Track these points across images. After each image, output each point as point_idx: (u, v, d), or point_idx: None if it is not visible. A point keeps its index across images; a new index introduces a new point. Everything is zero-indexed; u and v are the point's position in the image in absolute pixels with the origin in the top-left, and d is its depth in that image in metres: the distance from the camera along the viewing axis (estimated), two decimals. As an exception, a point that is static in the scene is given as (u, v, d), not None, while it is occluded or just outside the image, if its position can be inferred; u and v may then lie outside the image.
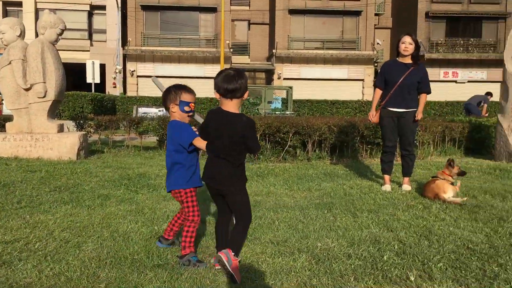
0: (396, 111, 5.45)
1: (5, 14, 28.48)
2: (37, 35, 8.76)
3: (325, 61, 29.78)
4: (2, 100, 21.24)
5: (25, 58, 7.48)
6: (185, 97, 2.97)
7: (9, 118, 8.60)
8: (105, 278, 2.65)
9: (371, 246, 3.30)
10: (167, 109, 3.00)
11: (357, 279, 2.71)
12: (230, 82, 2.73)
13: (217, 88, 2.78)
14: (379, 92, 5.59)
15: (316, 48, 30.05)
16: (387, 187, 5.52)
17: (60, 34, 7.79)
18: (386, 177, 5.64)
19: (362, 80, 30.06)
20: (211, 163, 2.88)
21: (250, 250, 3.18)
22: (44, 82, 7.52)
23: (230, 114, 2.78)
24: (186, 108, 2.96)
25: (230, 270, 2.59)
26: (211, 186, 2.90)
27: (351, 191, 5.41)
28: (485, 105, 15.52)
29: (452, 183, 4.99)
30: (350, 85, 29.97)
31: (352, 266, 2.91)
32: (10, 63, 7.47)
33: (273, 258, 3.04)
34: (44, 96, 7.57)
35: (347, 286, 2.60)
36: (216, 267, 2.78)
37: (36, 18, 27.86)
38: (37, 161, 7.22)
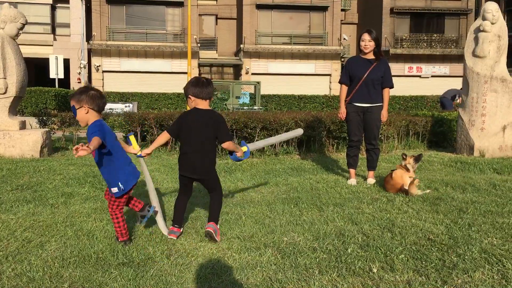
0: (361, 106, 5.54)
1: (-38, 6, 27.42)
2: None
3: (292, 56, 29.96)
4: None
5: (-16, 53, 7.24)
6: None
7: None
8: (68, 277, 2.61)
9: (336, 240, 3.36)
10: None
11: (321, 272, 2.75)
12: (209, 85, 3.36)
13: (203, 93, 3.32)
14: (345, 88, 5.67)
15: (284, 43, 30.19)
16: (353, 181, 5.62)
17: (21, 28, 7.57)
18: (352, 171, 5.74)
19: (329, 75, 30.40)
20: (190, 158, 3.32)
21: (216, 246, 3.19)
22: (5, 78, 7.30)
23: (204, 110, 3.35)
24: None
25: (217, 240, 3.27)
26: (188, 177, 3.40)
27: (317, 186, 5.48)
28: (460, 99, 15.97)
29: (411, 176, 5.11)
30: (317, 80, 30.26)
31: (317, 259, 2.96)
32: (-32, 58, 7.22)
33: (239, 253, 3.06)
34: (4, 93, 7.35)
35: (311, 280, 2.64)
36: (172, 237, 3.32)
37: (-4, 11, 26.95)
38: (-2, 159, 7.01)
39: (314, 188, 5.33)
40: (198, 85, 3.32)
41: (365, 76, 5.45)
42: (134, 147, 3.43)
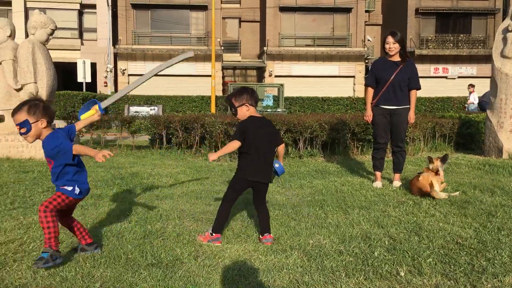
0: (388, 108, 5.51)
1: (-6, 13, 28.23)
2: (27, 35, 8.69)
3: (316, 58, 29.87)
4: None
5: (16, 59, 7.46)
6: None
7: (0, 119, 8.57)
8: (99, 277, 2.68)
9: (362, 243, 3.35)
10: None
11: (348, 275, 2.76)
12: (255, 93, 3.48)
13: (253, 100, 3.42)
14: (371, 91, 5.64)
15: (307, 45, 30.11)
16: (378, 183, 5.59)
17: (51, 34, 7.78)
18: (377, 173, 5.71)
19: (353, 76, 30.19)
20: (260, 163, 3.37)
21: (242, 248, 3.22)
22: (35, 82, 7.51)
23: (260, 117, 3.47)
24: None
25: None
26: (254, 182, 3.40)
27: (342, 188, 5.46)
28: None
29: (440, 179, 5.04)
30: (341, 82, 30.09)
31: (344, 262, 2.96)
32: (0, 63, 7.46)
33: (265, 255, 3.08)
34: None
35: (338, 283, 2.64)
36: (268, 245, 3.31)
37: (26, 17, 27.67)
38: (30, 161, 7.21)
39: (339, 191, 5.32)
40: (253, 94, 3.44)
41: (391, 78, 5.41)
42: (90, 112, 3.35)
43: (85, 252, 3.06)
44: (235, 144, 3.31)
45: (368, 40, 30.88)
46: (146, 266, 2.86)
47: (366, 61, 30.27)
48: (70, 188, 2.93)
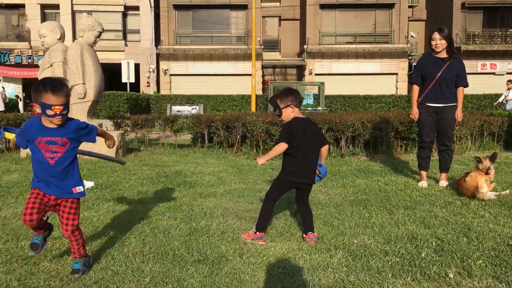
0: (434, 106, 5.38)
1: (43, 16, 29.38)
2: (74, 37, 9.00)
3: (357, 55, 29.45)
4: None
5: (66, 61, 7.74)
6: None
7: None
8: (149, 272, 2.76)
9: (408, 243, 3.30)
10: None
11: (395, 275, 2.72)
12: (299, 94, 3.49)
13: (298, 101, 3.39)
14: (416, 88, 5.51)
15: (348, 43, 29.72)
16: (424, 183, 5.46)
17: (98, 36, 8.01)
18: (423, 173, 5.58)
19: (396, 74, 29.57)
20: (307, 165, 3.37)
21: (286, 247, 3.24)
22: (84, 83, 7.76)
23: (305, 118, 3.45)
24: (49, 112, 2.62)
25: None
26: (299, 183, 3.40)
27: (386, 188, 5.38)
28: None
29: (489, 179, 4.88)
30: (383, 79, 29.53)
31: (390, 263, 2.92)
32: (51, 65, 7.75)
33: (309, 254, 3.08)
34: (84, 97, 7.82)
35: (385, 283, 2.62)
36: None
37: (73, 20, 28.67)
38: (78, 159, 7.46)
39: (382, 190, 5.24)
40: (298, 95, 3.43)
41: (438, 75, 5.28)
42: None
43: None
44: (282, 146, 3.29)
45: (412, 36, 30.14)
46: (193, 262, 2.92)
47: (410, 58, 29.58)
48: (82, 189, 2.86)
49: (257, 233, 3.38)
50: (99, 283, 2.60)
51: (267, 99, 4.52)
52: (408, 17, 30.35)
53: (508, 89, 16.43)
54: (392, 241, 3.34)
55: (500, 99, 17.33)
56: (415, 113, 5.51)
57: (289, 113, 3.39)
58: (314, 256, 3.04)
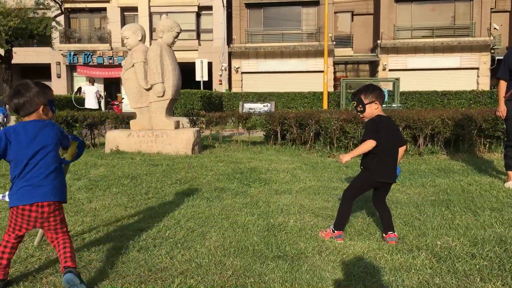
0: (523, 103, 5.05)
1: (123, 18, 30.91)
2: (151, 37, 9.28)
3: (434, 49, 28.23)
4: (122, 99, 23.16)
5: (146, 61, 8.10)
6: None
7: (132, 116, 9.38)
8: (230, 266, 2.83)
9: (496, 246, 3.13)
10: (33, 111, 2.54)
11: (483, 280, 2.60)
12: (382, 91, 3.43)
13: (381, 98, 3.35)
14: (504, 84, 5.20)
15: (424, 37, 28.57)
16: (511, 184, 5.15)
17: (176, 36, 8.31)
18: (511, 173, 5.26)
19: (477, 68, 28.02)
20: (390, 164, 3.31)
21: (366, 246, 3.19)
22: (163, 82, 8.09)
23: (387, 116, 3.38)
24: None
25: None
26: (383, 183, 3.34)
27: (469, 188, 5.13)
28: None
29: None
30: (462, 74, 28.09)
31: (477, 266, 2.79)
32: (133, 65, 8.14)
33: (391, 254, 3.02)
34: (162, 96, 8.15)
35: (472, 287, 2.51)
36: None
37: (150, 21, 29.90)
38: (157, 155, 7.80)
39: (466, 191, 5.00)
40: (382, 92, 3.37)
41: (527, 70, 4.95)
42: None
43: None
44: (371, 144, 3.20)
45: (495, 28, 28.38)
46: (272, 258, 2.96)
47: (492, 51, 27.89)
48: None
49: (336, 231, 3.36)
50: (184, 274, 2.71)
51: (352, 95, 4.36)
52: (491, 8, 28.61)
53: None
54: (479, 244, 3.19)
55: None
56: (502, 110, 5.20)
57: (373, 109, 3.31)
58: (395, 257, 2.97)
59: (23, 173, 2.43)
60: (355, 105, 3.40)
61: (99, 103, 17.69)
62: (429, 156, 7.61)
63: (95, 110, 16.02)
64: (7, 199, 2.58)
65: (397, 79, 20.85)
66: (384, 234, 3.35)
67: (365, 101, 3.30)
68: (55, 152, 2.54)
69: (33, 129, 2.47)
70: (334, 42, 28.94)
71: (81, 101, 17.92)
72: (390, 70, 28.55)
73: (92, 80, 18.08)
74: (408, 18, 28.82)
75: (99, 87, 26.62)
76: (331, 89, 27.31)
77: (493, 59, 27.44)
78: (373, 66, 30.43)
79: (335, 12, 30.51)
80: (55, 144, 2.55)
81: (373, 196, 3.49)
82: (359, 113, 3.41)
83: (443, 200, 4.54)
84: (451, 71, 28.15)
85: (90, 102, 17.07)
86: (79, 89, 27.95)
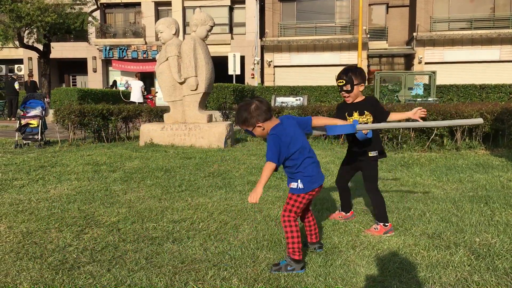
0: None
1: (157, 13, 31.26)
2: (184, 31, 9.26)
3: (472, 42, 27.37)
4: (156, 93, 23.52)
5: (180, 55, 8.17)
6: None
7: (166, 110, 9.49)
8: (264, 258, 2.83)
9: (539, 245, 3.02)
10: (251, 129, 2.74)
11: (525, 279, 2.51)
12: None
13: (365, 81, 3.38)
14: None
15: (462, 29, 27.73)
16: (554, 180, 4.96)
17: (210, 30, 8.34)
18: (553, 169, 5.06)
19: (517, 61, 27.04)
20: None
21: (401, 241, 3.13)
22: (196, 76, 8.14)
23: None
24: None
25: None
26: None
27: (509, 184, 4.97)
28: None
29: None
30: (502, 67, 27.14)
31: (519, 264, 2.70)
32: (167, 59, 8.23)
33: (427, 251, 2.95)
34: (196, 89, 8.20)
35: (514, 286, 2.42)
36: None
37: (183, 16, 30.14)
38: (190, 148, 7.88)
39: (506, 187, 4.85)
40: (365, 75, 3.51)
41: None
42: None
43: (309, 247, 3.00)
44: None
45: (537, 19, 27.28)
46: (305, 252, 2.94)
47: (534, 43, 26.85)
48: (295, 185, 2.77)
49: (387, 224, 3.32)
50: (218, 266, 2.72)
51: (339, 73, 4.17)
52: (533, -2, 27.51)
53: None
54: (520, 242, 3.08)
55: None
56: None
57: (359, 91, 3.34)
58: (432, 253, 2.90)
59: None
60: (342, 83, 3.31)
61: (143, 97, 18.21)
62: (466, 151, 7.40)
63: (140, 103, 16.62)
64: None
65: (434, 73, 20.31)
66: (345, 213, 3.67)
67: (355, 82, 3.28)
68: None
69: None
70: (368, 35, 28.44)
71: (129, 95, 18.55)
72: (426, 63, 27.87)
73: (138, 75, 18.68)
74: (445, 9, 28.02)
75: (126, 81, 27.12)
76: (365, 83, 26.89)
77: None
78: (408, 59, 29.78)
79: (370, 4, 29.98)
80: None
81: (346, 176, 3.62)
82: (344, 92, 3.33)
83: (482, 196, 4.41)
84: (490, 64, 27.25)
85: (136, 96, 17.72)
86: (114, 82, 28.52)
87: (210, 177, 5.47)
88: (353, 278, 2.54)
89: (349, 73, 3.29)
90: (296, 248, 2.67)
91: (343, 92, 3.33)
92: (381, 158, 3.44)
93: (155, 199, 4.38)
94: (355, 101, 3.37)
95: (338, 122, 3.05)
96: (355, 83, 3.27)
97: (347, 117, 3.34)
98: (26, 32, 21.16)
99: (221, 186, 4.97)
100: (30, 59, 31.09)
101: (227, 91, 20.77)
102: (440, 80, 23.07)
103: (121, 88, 24.93)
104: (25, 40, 21.22)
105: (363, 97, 3.39)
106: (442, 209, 3.95)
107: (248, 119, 2.69)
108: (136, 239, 3.21)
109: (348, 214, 3.71)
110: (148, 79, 31.95)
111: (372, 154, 3.35)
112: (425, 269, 2.65)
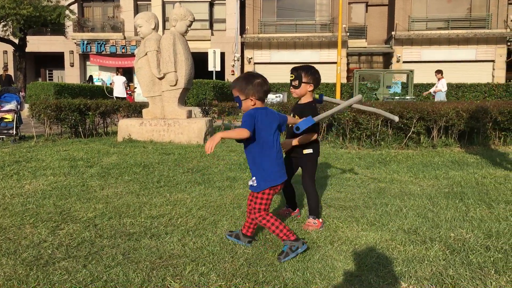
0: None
1: (136, 8, 30.93)
2: (164, 27, 9.22)
3: (449, 41, 27.87)
4: (135, 88, 23.36)
5: (159, 49, 8.09)
6: None
7: (145, 105, 9.41)
8: (242, 254, 2.83)
9: (511, 239, 3.09)
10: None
11: (498, 272, 2.56)
12: None
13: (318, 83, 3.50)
14: None
15: (439, 28, 28.21)
16: (527, 177, 5.09)
17: (189, 25, 8.29)
18: (526, 166, 5.19)
19: (493, 61, 27.62)
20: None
21: (378, 236, 3.16)
22: (175, 72, 8.08)
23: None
24: None
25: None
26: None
27: (484, 181, 5.07)
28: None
29: None
30: (478, 67, 27.72)
31: (492, 258, 2.76)
32: (146, 54, 8.14)
33: (403, 245, 2.99)
34: (175, 85, 8.14)
35: (487, 279, 2.47)
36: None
37: (163, 11, 29.87)
38: (170, 144, 7.82)
39: (480, 183, 4.95)
40: (319, 79, 3.55)
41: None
42: None
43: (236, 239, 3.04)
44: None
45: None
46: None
47: (509, 43, 27.47)
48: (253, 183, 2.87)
49: (320, 219, 3.44)
50: (196, 261, 2.71)
51: (292, 69, 4.24)
52: (508, 0, 28.12)
53: (438, 79, 15.56)
54: (494, 236, 3.15)
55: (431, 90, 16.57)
56: None
57: (306, 90, 3.43)
58: (408, 248, 2.94)
59: None
60: (292, 78, 3.44)
61: (109, 92, 18.66)
62: (442, 148, 7.53)
63: (122, 98, 17.13)
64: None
65: (411, 71, 20.62)
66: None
67: (304, 79, 3.38)
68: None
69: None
70: (348, 33, 28.68)
71: (112, 91, 18.83)
72: (404, 62, 28.27)
73: (120, 71, 19.21)
74: (423, 9, 28.44)
75: (111, 76, 26.84)
76: (344, 81, 27.13)
77: (509, 52, 27.04)
78: (387, 57, 30.15)
79: (349, 3, 30.22)
80: None
81: (291, 171, 3.59)
82: (292, 87, 3.47)
83: (457, 193, 4.49)
84: (466, 64, 27.79)
85: (118, 91, 18.14)
86: (90, 77, 28.17)
87: (189, 173, 5.44)
88: (331, 273, 2.56)
89: (300, 70, 3.42)
90: (286, 231, 2.80)
91: (291, 87, 3.48)
92: (316, 156, 3.51)
93: (133, 195, 4.33)
94: (299, 102, 3.54)
95: (298, 120, 3.24)
96: (303, 81, 3.39)
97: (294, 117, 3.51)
98: (1, 25, 20.69)
99: (200, 182, 4.94)
100: (5, 52, 30.44)
101: (207, 87, 20.69)
102: (417, 79, 23.42)
103: (98, 83, 24.80)
104: (0, 33, 20.74)
105: (311, 99, 3.49)
106: (418, 205, 4.01)
107: (246, 88, 2.80)
108: (113, 235, 3.17)
109: (295, 211, 3.75)
110: (127, 74, 31.60)
111: (306, 151, 3.45)
112: (401, 264, 2.69)
